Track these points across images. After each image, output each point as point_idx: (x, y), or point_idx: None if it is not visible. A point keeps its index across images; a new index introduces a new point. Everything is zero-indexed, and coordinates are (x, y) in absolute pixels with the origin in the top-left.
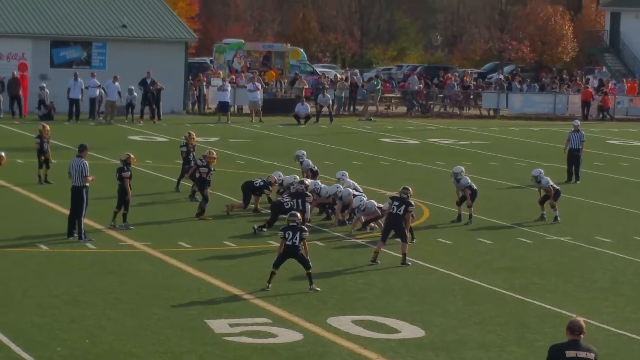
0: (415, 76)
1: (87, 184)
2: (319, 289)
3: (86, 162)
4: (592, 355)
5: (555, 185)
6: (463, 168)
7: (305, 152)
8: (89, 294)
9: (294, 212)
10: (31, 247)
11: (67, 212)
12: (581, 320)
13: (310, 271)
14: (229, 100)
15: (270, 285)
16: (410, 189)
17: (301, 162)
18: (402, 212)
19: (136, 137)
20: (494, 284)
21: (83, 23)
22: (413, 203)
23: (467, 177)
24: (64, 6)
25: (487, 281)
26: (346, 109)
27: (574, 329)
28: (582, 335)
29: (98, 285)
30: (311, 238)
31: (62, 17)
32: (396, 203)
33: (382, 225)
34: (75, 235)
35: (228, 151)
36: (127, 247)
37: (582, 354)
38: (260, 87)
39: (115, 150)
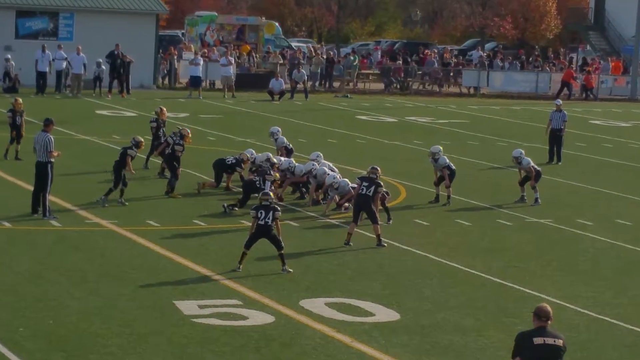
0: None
1: (52, 160)
2: (291, 270)
3: (51, 137)
4: (560, 342)
5: (536, 166)
6: (441, 147)
7: (279, 129)
8: (53, 271)
9: (266, 191)
10: None
11: (31, 188)
12: (548, 306)
13: (282, 252)
14: (200, 75)
15: (241, 266)
16: (379, 168)
17: (275, 139)
18: (371, 192)
19: (104, 112)
20: (472, 267)
21: None
22: (382, 183)
23: (446, 157)
24: None
25: (465, 264)
26: (322, 85)
27: (541, 315)
28: (549, 322)
29: (63, 263)
30: (284, 217)
31: None
32: (365, 184)
33: None
34: (40, 212)
35: (199, 127)
36: (93, 225)
37: (549, 341)
38: (233, 61)
39: (82, 125)
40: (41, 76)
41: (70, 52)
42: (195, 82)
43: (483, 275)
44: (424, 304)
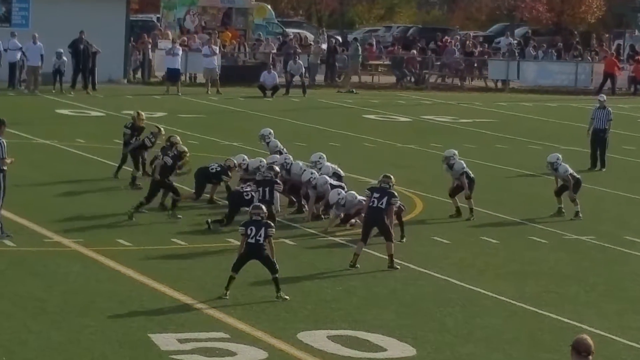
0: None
1: (4, 168)
2: (287, 297)
3: (4, 141)
4: None
5: (575, 174)
6: (456, 151)
7: (272, 131)
8: (6, 301)
9: (258, 204)
10: None
11: None
12: (589, 338)
13: (277, 276)
14: (179, 67)
15: (228, 293)
16: (392, 177)
17: (267, 143)
18: (383, 205)
19: (66, 111)
20: (501, 293)
21: None
22: (396, 194)
23: (463, 162)
24: None
25: (493, 289)
26: (323, 78)
27: (581, 349)
28: (590, 357)
29: (18, 291)
30: (279, 235)
31: None
32: (376, 195)
33: None
34: None
35: (178, 129)
36: (54, 245)
37: None
38: (217, 51)
39: (41, 126)
40: None
41: (26, 41)
42: (173, 76)
43: (514, 302)
44: (445, 337)
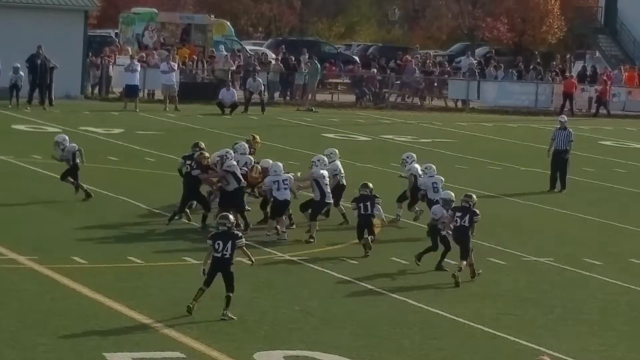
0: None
1: None
2: (234, 317)
3: None
4: None
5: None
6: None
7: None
8: None
9: (225, 213)
10: None
11: None
12: (548, 358)
13: (231, 295)
14: (137, 84)
15: (195, 305)
16: (473, 195)
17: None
18: (466, 223)
19: (22, 127)
20: (459, 314)
21: None
22: (478, 212)
23: (418, 166)
24: None
25: (451, 311)
26: (281, 96)
27: None
28: None
29: None
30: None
31: None
32: (459, 214)
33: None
34: None
35: (135, 146)
36: (9, 262)
37: None
38: (176, 67)
39: None
40: None
41: None
42: (131, 92)
43: (472, 324)
44: (402, 358)
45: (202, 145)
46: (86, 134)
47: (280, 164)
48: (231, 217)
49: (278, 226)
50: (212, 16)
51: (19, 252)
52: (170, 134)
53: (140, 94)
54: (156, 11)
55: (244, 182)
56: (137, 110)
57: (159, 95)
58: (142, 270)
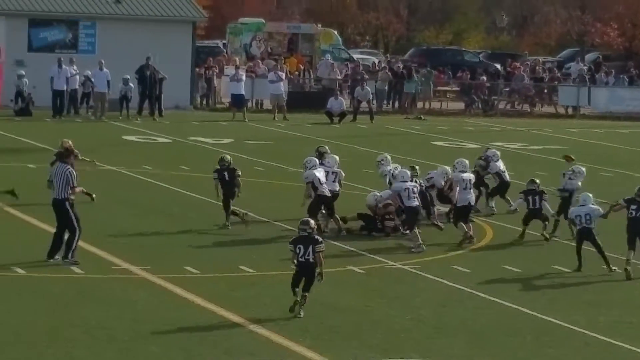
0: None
1: (72, 197)
2: (301, 315)
3: (73, 170)
4: None
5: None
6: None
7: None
8: (77, 329)
9: (306, 219)
10: (4, 270)
11: (46, 228)
12: None
13: (307, 295)
14: (243, 93)
15: (298, 310)
16: None
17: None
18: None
19: (132, 137)
20: (574, 322)
21: None
22: None
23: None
24: None
25: (565, 318)
26: (390, 104)
27: None
28: None
29: (87, 319)
30: (346, 263)
31: None
32: (633, 207)
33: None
34: (57, 257)
35: (244, 155)
36: (122, 273)
37: None
38: (284, 77)
39: (107, 153)
40: (58, 96)
41: (93, 67)
42: (237, 102)
43: (587, 332)
44: None
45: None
46: (196, 144)
47: (408, 171)
48: (312, 222)
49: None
50: (319, 25)
51: (132, 262)
52: (279, 144)
53: (249, 104)
54: (263, 21)
55: (321, 191)
56: (246, 120)
57: (267, 105)
58: (253, 280)
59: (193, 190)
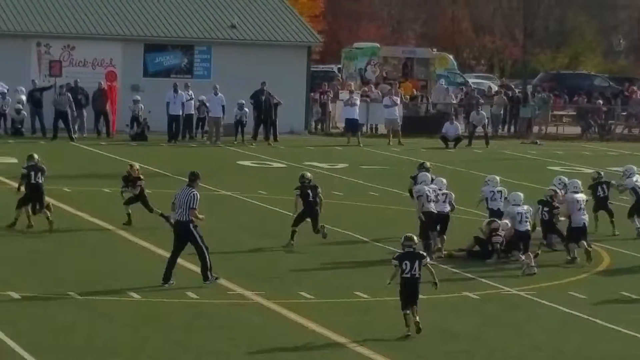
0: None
1: (195, 220)
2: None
3: (197, 193)
4: None
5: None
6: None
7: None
8: (191, 355)
9: (409, 234)
10: (120, 295)
11: (162, 253)
12: None
13: (416, 307)
14: (357, 117)
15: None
16: None
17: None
18: None
19: (247, 162)
20: None
21: (183, 23)
22: None
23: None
24: (161, 3)
25: None
26: (505, 129)
27: None
28: None
29: (202, 344)
30: (460, 289)
31: (158, 15)
32: None
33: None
34: (172, 282)
35: (359, 180)
36: (236, 297)
37: None
38: (399, 101)
39: (223, 178)
40: (174, 120)
41: (208, 92)
42: (352, 127)
43: None
44: None
45: None
46: (311, 168)
47: (521, 194)
48: (415, 237)
49: (523, 257)
50: (434, 50)
51: (246, 287)
52: (394, 168)
53: (363, 129)
54: (378, 46)
55: (427, 207)
56: (361, 144)
57: (382, 129)
58: (368, 306)
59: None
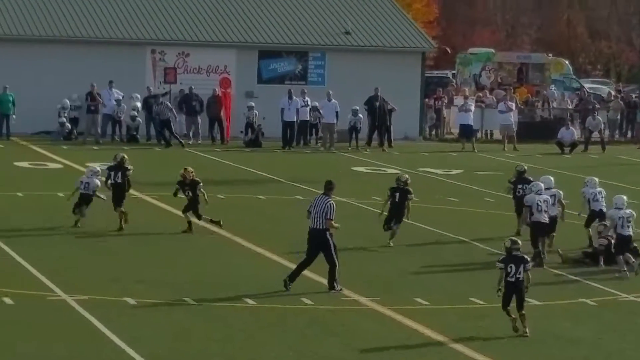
0: None
1: (331, 229)
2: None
3: (334, 202)
4: None
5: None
6: None
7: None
8: (305, 358)
9: (514, 238)
10: (235, 301)
11: (277, 259)
12: None
13: (523, 313)
14: (471, 123)
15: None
16: None
17: None
18: None
19: (361, 168)
20: None
21: (297, 29)
22: None
23: None
24: (275, 9)
25: None
26: (622, 134)
27: None
28: None
29: (317, 350)
30: (578, 295)
31: (272, 22)
32: None
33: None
34: (290, 286)
35: (474, 186)
36: (350, 303)
37: None
38: (514, 107)
39: (337, 184)
40: (288, 127)
41: (321, 99)
42: (465, 132)
43: None
44: None
45: None
46: (425, 175)
47: (624, 197)
48: (519, 241)
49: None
50: (550, 55)
51: (362, 293)
52: (509, 174)
53: (478, 134)
54: (493, 51)
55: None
56: (475, 150)
57: (497, 135)
58: (485, 312)
59: (419, 220)
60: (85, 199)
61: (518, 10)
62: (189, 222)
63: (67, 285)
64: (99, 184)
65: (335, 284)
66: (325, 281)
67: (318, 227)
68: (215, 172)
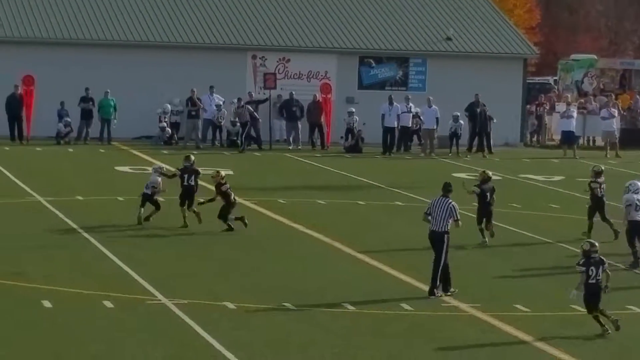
0: None
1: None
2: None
3: (455, 204)
4: None
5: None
6: None
7: None
8: None
9: (592, 240)
10: (334, 306)
11: (377, 264)
12: None
13: (597, 315)
14: (573, 130)
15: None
16: None
17: None
18: None
19: (462, 175)
20: None
21: (398, 35)
22: None
23: None
24: (376, 15)
25: None
26: None
27: None
28: None
29: (414, 355)
30: None
31: (374, 27)
32: None
33: None
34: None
35: (576, 193)
36: (450, 310)
37: None
38: (616, 113)
39: (436, 190)
40: (389, 133)
41: (422, 105)
42: (567, 138)
43: None
44: None
45: None
46: (526, 181)
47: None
48: (597, 244)
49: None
50: None
51: (462, 299)
52: (610, 181)
53: (580, 141)
54: (595, 57)
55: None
56: (577, 157)
57: (599, 141)
58: (585, 319)
59: (521, 227)
60: (146, 198)
61: (621, 17)
62: (229, 224)
63: (167, 289)
64: (159, 180)
65: (435, 290)
66: (426, 287)
67: (438, 229)
68: (315, 178)
